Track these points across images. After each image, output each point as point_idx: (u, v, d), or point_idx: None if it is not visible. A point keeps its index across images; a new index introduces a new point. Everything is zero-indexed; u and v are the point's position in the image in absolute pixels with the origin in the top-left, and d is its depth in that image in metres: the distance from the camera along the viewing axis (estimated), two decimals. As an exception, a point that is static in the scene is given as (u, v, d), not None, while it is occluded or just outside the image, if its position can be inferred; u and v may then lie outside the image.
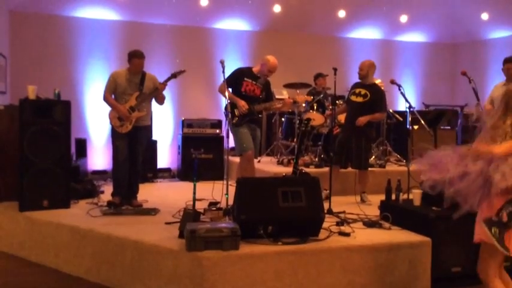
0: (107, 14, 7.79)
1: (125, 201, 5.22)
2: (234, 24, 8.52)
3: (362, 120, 5.43)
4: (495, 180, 2.73)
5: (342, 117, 6.97)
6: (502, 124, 2.87)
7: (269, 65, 5.37)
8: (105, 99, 5.19)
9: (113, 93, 5.20)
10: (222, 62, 4.98)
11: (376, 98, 5.57)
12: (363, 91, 5.58)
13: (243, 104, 5.24)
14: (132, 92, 5.16)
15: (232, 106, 5.23)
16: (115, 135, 5.21)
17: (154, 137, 7.65)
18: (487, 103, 5.66)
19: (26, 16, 7.42)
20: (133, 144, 5.22)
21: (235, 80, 5.36)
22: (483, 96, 5.98)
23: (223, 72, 5.06)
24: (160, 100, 5.35)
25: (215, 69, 7.71)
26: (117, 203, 5.13)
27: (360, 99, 5.57)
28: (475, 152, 2.89)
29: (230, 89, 5.32)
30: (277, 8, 8.24)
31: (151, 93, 5.20)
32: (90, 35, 7.77)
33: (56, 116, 5.06)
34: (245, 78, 5.37)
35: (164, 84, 5.22)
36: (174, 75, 5.29)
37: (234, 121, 5.21)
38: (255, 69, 5.48)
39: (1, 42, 6.72)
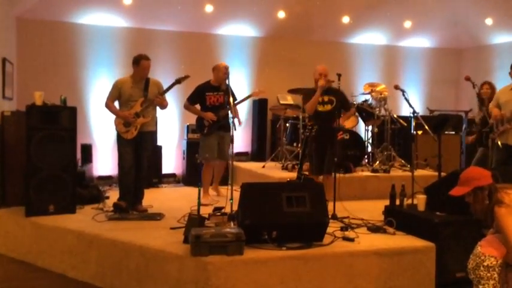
0: (113, 21, 7.85)
1: (130, 206, 5.26)
2: (239, 30, 8.57)
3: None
4: None
5: (346, 123, 6.98)
6: None
7: (220, 68, 5.84)
8: (107, 106, 5.25)
9: (117, 100, 5.25)
10: (226, 68, 5.07)
11: (342, 100, 5.56)
12: (326, 98, 5.49)
13: (210, 116, 5.84)
14: (137, 98, 5.20)
15: (201, 119, 5.94)
16: (121, 141, 5.24)
17: (159, 143, 7.69)
18: (491, 106, 5.64)
19: (33, 23, 7.49)
20: (138, 149, 5.26)
21: (198, 97, 5.96)
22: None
23: (228, 78, 5.12)
24: (163, 107, 5.40)
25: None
26: (123, 206, 5.16)
27: (328, 107, 5.49)
28: None
29: (198, 105, 6.00)
30: (281, 14, 8.28)
31: (151, 102, 5.22)
32: (96, 41, 7.83)
33: (62, 121, 5.11)
34: (206, 93, 5.91)
35: (160, 97, 5.24)
36: (178, 81, 5.34)
37: (204, 131, 5.90)
38: (213, 81, 5.97)
39: (8, 49, 6.78)
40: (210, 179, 6.14)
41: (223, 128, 5.92)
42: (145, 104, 5.19)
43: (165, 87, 5.35)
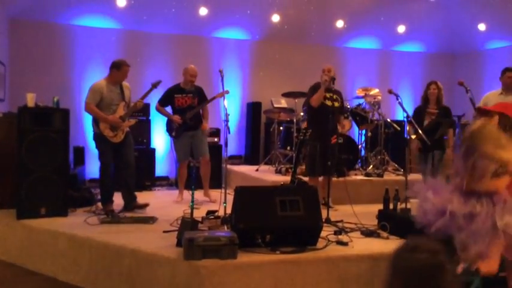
0: (106, 23, 7.82)
1: (128, 206, 5.36)
2: (233, 33, 8.57)
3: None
4: (500, 231, 2.71)
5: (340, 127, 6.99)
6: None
7: (188, 71, 5.98)
8: (91, 110, 5.19)
9: (97, 104, 5.21)
10: (220, 71, 5.16)
11: (342, 100, 5.80)
12: (334, 95, 5.68)
13: (175, 118, 5.94)
14: (117, 102, 5.29)
15: (170, 122, 6.05)
16: (102, 142, 5.25)
17: (152, 145, 7.66)
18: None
19: (26, 24, 7.44)
20: (123, 149, 5.36)
21: (168, 99, 6.05)
22: (480, 106, 6.01)
23: (222, 81, 5.15)
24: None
25: (214, 78, 7.73)
26: (113, 209, 5.22)
27: (336, 104, 5.66)
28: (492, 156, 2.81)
29: (169, 108, 6.10)
30: (275, 18, 8.29)
31: (135, 106, 5.43)
32: (89, 43, 7.79)
33: (54, 123, 5.07)
34: (175, 95, 6.00)
35: (142, 101, 5.47)
36: (154, 86, 5.48)
37: (173, 134, 6.02)
38: (182, 83, 6.06)
39: (0, 50, 6.74)
40: (185, 179, 6.19)
41: (191, 128, 6.01)
42: (128, 108, 5.35)
43: (158, 89, 5.40)
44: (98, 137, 5.27)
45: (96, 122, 5.25)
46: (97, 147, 5.34)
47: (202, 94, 6.14)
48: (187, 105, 6.00)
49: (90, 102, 5.18)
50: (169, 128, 6.11)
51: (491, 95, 5.81)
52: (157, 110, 6.15)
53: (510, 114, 3.23)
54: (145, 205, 5.41)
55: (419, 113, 5.82)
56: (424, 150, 5.68)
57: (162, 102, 6.09)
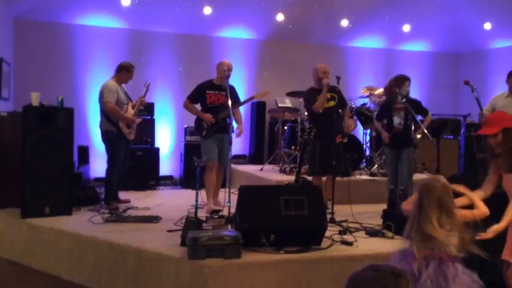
0: (111, 22, 7.82)
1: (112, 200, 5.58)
2: (238, 32, 8.55)
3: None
4: None
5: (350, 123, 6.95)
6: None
7: (226, 64, 5.49)
8: (113, 109, 5.36)
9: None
10: (225, 71, 5.09)
11: (341, 96, 5.62)
12: (329, 95, 5.54)
13: (208, 117, 5.44)
14: (127, 102, 5.55)
15: (200, 120, 5.54)
16: (119, 140, 5.40)
17: (156, 145, 7.66)
18: (486, 112, 5.66)
19: (30, 23, 7.46)
20: (128, 146, 5.66)
21: (199, 95, 5.58)
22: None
23: (227, 80, 5.10)
24: None
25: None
26: (117, 206, 5.36)
27: (332, 104, 5.54)
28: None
29: (198, 105, 5.63)
30: (280, 17, 8.27)
31: (141, 104, 5.72)
32: (94, 42, 7.80)
33: (59, 123, 5.08)
34: (207, 91, 5.53)
35: (144, 99, 5.78)
36: (147, 87, 5.75)
37: (203, 134, 5.50)
38: (216, 79, 5.61)
39: (5, 49, 6.75)
40: (214, 183, 5.60)
41: (221, 130, 5.47)
42: (136, 107, 5.61)
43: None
44: (115, 136, 5.41)
45: (112, 121, 5.38)
46: (111, 146, 5.46)
47: (235, 94, 5.63)
48: (220, 104, 5.47)
49: (110, 102, 5.34)
50: (199, 127, 5.57)
51: (498, 98, 5.82)
52: (186, 107, 5.65)
53: (510, 124, 3.12)
54: (127, 201, 5.78)
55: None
56: (393, 146, 5.58)
57: (192, 99, 5.60)
